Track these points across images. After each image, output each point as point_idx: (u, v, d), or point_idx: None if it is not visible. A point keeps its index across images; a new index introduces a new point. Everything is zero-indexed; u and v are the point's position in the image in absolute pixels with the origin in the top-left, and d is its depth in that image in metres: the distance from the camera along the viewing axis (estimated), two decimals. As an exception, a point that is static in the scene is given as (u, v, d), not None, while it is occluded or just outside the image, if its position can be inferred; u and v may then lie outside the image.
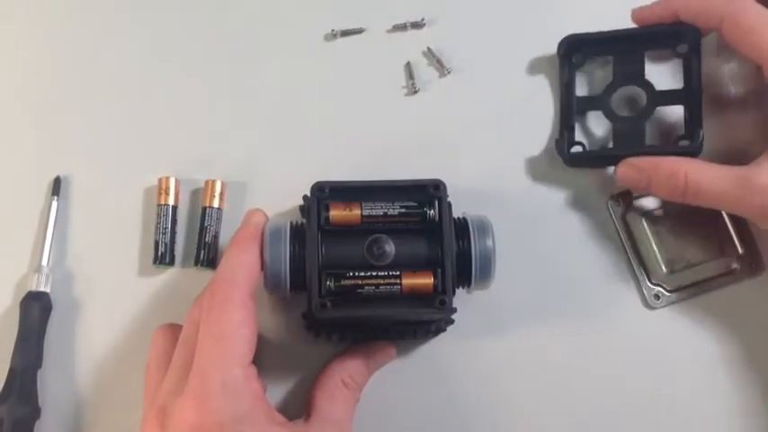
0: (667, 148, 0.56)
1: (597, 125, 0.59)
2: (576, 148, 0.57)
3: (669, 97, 0.57)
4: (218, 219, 0.56)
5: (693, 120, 0.55)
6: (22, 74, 0.60)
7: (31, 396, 0.52)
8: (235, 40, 0.61)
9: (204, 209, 0.56)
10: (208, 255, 0.56)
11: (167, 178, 0.56)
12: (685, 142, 0.55)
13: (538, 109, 0.59)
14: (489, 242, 0.49)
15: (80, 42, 0.61)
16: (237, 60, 0.60)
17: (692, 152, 0.54)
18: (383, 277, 0.47)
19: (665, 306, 0.56)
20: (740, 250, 0.56)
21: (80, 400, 0.54)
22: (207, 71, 0.60)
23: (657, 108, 0.57)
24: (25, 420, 0.52)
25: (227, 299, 0.46)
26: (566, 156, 0.57)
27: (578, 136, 0.58)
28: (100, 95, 0.59)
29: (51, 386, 0.54)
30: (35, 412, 0.52)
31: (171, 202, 0.56)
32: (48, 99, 0.59)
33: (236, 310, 0.45)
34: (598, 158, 0.58)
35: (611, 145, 0.58)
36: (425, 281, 0.47)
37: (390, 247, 0.47)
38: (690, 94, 0.56)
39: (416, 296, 0.47)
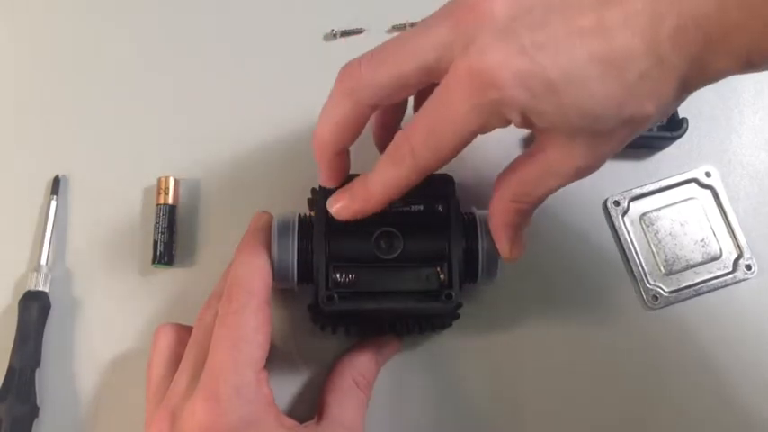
0: (651, 134, 0.58)
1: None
2: None
3: None
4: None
5: None
6: (21, 73, 0.60)
7: (30, 395, 0.52)
8: (234, 40, 0.61)
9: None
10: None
11: (167, 178, 0.56)
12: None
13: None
14: None
15: (79, 42, 0.60)
16: (237, 60, 0.60)
17: (675, 138, 0.58)
18: None
19: (663, 307, 0.56)
20: (738, 251, 0.57)
21: (78, 398, 0.54)
22: (207, 71, 0.60)
23: None
24: (23, 419, 0.51)
25: (244, 305, 0.45)
26: None
27: None
28: (99, 95, 0.59)
29: (50, 385, 0.53)
30: (33, 411, 0.52)
31: (170, 201, 0.56)
32: (47, 98, 0.59)
33: (252, 315, 0.45)
34: None
35: None
36: None
37: (398, 241, 0.47)
38: None
39: (423, 290, 0.47)
